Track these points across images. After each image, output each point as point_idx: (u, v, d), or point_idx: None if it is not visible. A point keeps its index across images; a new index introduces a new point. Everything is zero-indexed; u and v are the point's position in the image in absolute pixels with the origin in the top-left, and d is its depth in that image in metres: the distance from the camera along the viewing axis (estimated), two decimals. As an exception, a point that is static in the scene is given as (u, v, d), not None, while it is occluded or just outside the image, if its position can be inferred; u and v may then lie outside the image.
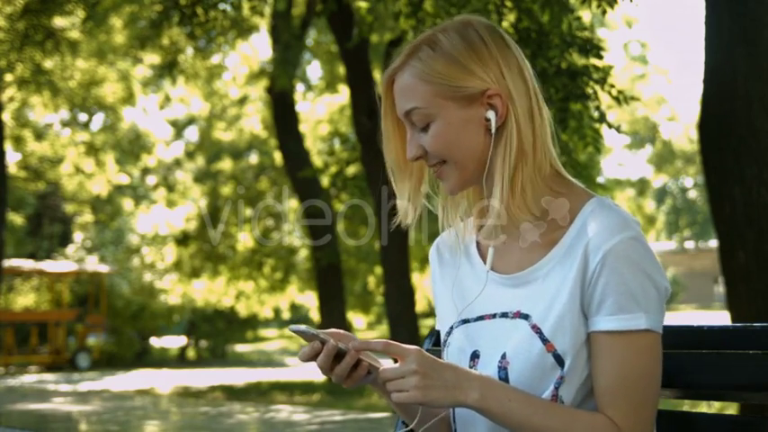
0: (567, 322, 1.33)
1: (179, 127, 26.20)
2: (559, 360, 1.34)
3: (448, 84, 1.38)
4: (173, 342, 25.40)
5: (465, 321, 1.46)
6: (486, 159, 1.40)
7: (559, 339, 1.34)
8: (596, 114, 5.08)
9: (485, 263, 1.47)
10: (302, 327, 1.35)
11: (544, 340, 1.34)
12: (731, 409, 6.53)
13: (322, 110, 19.75)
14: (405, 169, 1.49)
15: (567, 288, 1.34)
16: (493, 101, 1.38)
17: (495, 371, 1.38)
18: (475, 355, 1.42)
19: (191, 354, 24.27)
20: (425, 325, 17.99)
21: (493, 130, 1.38)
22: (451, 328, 1.49)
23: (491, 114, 1.38)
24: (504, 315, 1.41)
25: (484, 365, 1.40)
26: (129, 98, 19.11)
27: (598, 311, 1.32)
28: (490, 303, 1.43)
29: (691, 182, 39.26)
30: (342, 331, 1.40)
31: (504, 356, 1.37)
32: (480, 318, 1.44)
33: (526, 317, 1.37)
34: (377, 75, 11.80)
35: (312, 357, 1.35)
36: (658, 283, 1.33)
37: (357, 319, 25.80)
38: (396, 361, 1.32)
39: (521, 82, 1.40)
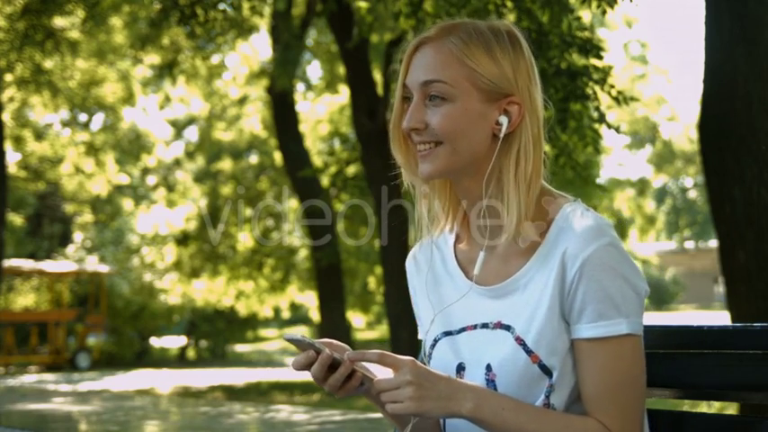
0: (549, 332, 1.34)
1: (179, 127, 26.19)
2: (545, 370, 1.35)
3: (482, 74, 1.37)
4: (173, 342, 25.39)
5: (448, 333, 1.46)
6: (480, 160, 1.39)
7: (543, 350, 1.34)
8: (596, 114, 5.08)
9: (463, 272, 1.47)
10: (297, 335, 1.34)
11: (528, 352, 1.35)
12: (731, 409, 6.52)
13: (322, 110, 19.75)
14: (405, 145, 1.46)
15: (546, 298, 1.35)
16: (510, 108, 1.38)
17: (482, 383, 1.38)
18: (460, 368, 1.43)
19: (191, 354, 24.27)
20: (425, 325, 17.94)
21: (501, 136, 1.38)
22: (435, 340, 1.48)
23: (503, 119, 1.38)
24: (485, 326, 1.41)
25: (470, 378, 1.41)
26: (129, 98, 19.10)
27: (579, 319, 1.33)
28: (471, 314, 1.43)
29: (691, 182, 39.24)
30: (336, 342, 1.40)
31: (489, 369, 1.38)
32: (463, 329, 1.44)
33: (508, 328, 1.38)
34: (377, 75, 11.81)
35: (306, 366, 1.35)
36: (637, 286, 1.34)
37: (357, 319, 25.79)
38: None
39: (540, 99, 1.41)
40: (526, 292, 1.38)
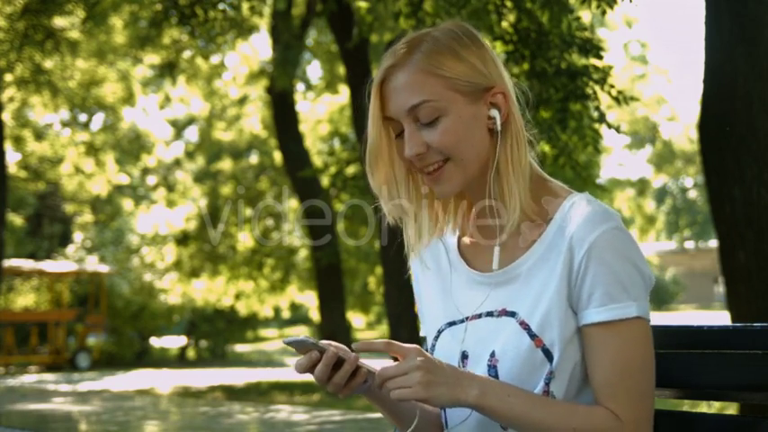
0: (555, 317, 1.33)
1: (179, 127, 26.21)
2: (548, 355, 1.34)
3: (457, 77, 1.36)
4: (173, 342, 25.39)
5: (451, 324, 1.46)
6: (486, 159, 1.39)
7: (547, 334, 1.34)
8: (596, 114, 5.08)
9: (468, 264, 1.47)
10: (299, 337, 1.32)
11: (532, 336, 1.34)
12: (731, 409, 6.52)
13: (322, 110, 19.76)
14: (392, 174, 1.45)
15: (552, 283, 1.34)
16: (496, 99, 1.38)
17: (484, 370, 1.38)
18: (464, 356, 1.42)
19: (191, 354, 24.27)
20: (425, 325, 17.93)
21: (498, 129, 1.38)
22: (439, 331, 1.48)
23: (495, 113, 1.38)
24: (490, 314, 1.41)
25: (473, 365, 1.40)
26: (129, 98, 19.11)
27: (588, 304, 1.32)
28: (475, 304, 1.43)
29: (691, 182, 39.24)
30: (335, 343, 1.39)
31: (492, 355, 1.37)
32: (466, 319, 1.44)
33: (513, 314, 1.37)
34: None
35: (310, 368, 1.34)
36: (644, 271, 1.34)
37: (357, 319, 25.79)
38: (395, 360, 1.32)
39: (511, 83, 1.42)
40: (530, 277, 1.37)
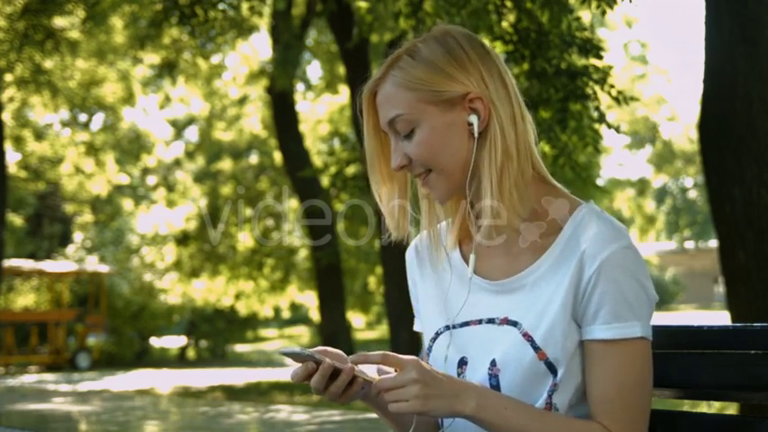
0: (559, 330, 1.34)
1: (179, 127, 26.22)
2: (551, 368, 1.34)
3: (428, 89, 1.38)
4: (173, 342, 25.39)
5: (449, 327, 1.45)
6: (470, 163, 1.39)
7: (551, 347, 1.34)
8: (596, 114, 5.08)
9: (467, 266, 1.47)
10: (295, 348, 1.33)
11: (536, 348, 1.35)
12: (731, 409, 6.53)
13: (322, 110, 19.77)
14: (389, 184, 1.48)
15: (559, 296, 1.34)
16: (474, 105, 1.38)
17: (484, 378, 1.38)
18: (462, 362, 1.42)
19: (191, 354, 24.27)
20: (425, 325, 17.91)
21: (476, 134, 1.38)
22: (437, 334, 1.48)
23: (473, 118, 1.38)
24: (491, 321, 1.40)
25: (472, 372, 1.40)
26: (129, 98, 19.12)
27: (594, 320, 1.33)
28: (476, 309, 1.43)
29: (691, 182, 39.24)
30: (330, 349, 1.39)
31: (493, 364, 1.37)
32: (466, 324, 1.43)
33: (515, 324, 1.37)
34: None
35: (306, 378, 1.34)
36: (649, 291, 1.35)
37: (357, 319, 25.79)
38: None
39: (502, 87, 1.40)
40: (536, 289, 1.37)
